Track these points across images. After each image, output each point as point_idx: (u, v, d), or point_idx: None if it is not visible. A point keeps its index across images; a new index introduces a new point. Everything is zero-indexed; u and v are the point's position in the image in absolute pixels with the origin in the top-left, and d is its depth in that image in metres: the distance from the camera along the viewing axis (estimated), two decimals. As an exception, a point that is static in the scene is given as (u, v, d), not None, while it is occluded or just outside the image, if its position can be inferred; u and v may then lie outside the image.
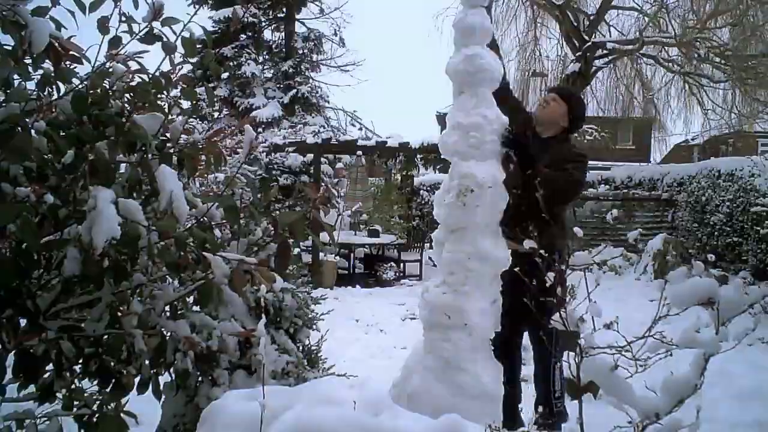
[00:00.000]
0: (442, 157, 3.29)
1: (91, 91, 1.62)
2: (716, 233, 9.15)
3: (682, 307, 1.41)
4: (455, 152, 3.11)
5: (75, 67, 1.62)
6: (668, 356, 1.45)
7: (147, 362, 1.75)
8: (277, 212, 1.71)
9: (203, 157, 1.88)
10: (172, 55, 1.70)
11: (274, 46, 20.01)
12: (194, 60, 1.79)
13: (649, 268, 9.06)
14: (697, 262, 1.48)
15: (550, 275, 1.75)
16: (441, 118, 18.59)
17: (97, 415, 1.59)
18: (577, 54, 11.99)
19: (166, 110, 1.76)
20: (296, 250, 2.34)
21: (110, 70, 1.67)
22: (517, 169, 3.15)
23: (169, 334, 1.77)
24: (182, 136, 1.84)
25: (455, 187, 3.04)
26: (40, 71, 1.54)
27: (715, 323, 1.40)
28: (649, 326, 1.49)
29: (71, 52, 1.56)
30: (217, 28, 17.75)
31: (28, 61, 1.49)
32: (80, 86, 1.61)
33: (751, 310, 1.43)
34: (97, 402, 1.62)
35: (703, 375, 1.39)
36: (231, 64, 17.99)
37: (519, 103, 4.05)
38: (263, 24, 19.35)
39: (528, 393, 3.66)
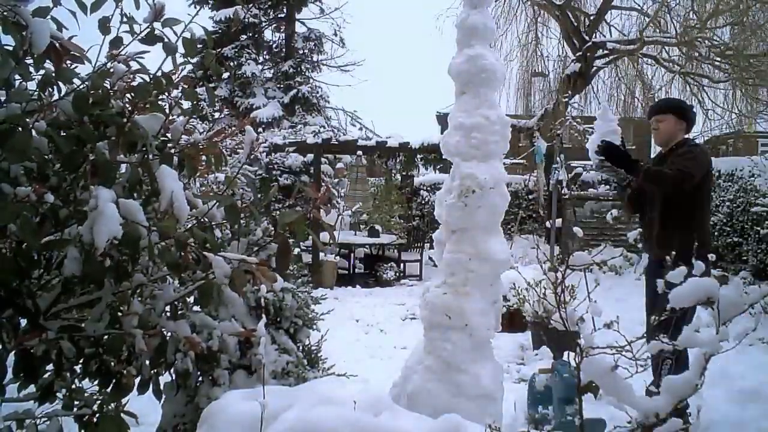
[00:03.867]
0: (443, 157, 3.29)
1: (92, 92, 1.62)
2: (716, 233, 9.14)
3: (682, 306, 1.41)
4: (457, 153, 3.11)
5: (76, 67, 1.63)
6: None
7: (147, 362, 1.75)
8: (277, 212, 1.71)
9: (204, 158, 1.88)
10: (173, 56, 1.70)
11: (274, 46, 20.02)
12: (195, 60, 1.79)
13: (649, 268, 9.05)
14: (698, 262, 1.48)
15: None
16: (441, 118, 18.59)
17: (97, 415, 1.59)
18: (577, 54, 11.98)
19: (167, 110, 1.76)
20: (296, 250, 2.34)
21: (111, 70, 1.67)
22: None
23: (169, 334, 1.77)
24: (183, 136, 1.84)
25: (457, 188, 3.04)
26: (42, 71, 1.55)
27: (715, 323, 1.40)
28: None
29: (72, 53, 1.56)
30: (217, 29, 17.76)
31: (29, 61, 1.50)
32: (81, 86, 1.61)
33: (751, 310, 1.43)
34: (97, 402, 1.62)
35: (703, 375, 1.39)
36: (231, 64, 18.00)
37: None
38: (264, 24, 19.36)
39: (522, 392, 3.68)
